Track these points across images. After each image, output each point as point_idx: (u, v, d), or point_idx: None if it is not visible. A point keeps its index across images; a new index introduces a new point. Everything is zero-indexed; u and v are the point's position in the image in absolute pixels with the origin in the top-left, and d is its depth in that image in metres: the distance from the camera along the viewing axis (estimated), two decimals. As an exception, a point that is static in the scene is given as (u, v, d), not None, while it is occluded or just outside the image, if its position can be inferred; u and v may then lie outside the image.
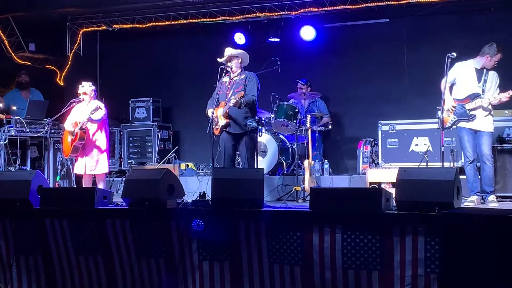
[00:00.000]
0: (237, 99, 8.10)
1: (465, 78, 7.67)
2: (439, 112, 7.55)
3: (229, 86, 8.46)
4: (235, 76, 8.50)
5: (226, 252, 6.27)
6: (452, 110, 7.64)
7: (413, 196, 5.73)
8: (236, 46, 11.22)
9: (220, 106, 8.33)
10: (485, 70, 7.61)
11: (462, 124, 7.64)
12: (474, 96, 7.55)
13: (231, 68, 8.46)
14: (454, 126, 7.72)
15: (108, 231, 6.64)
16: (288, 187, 8.91)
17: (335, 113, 11.07)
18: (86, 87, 9.00)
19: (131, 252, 6.59)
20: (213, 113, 8.22)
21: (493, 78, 7.60)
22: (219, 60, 8.54)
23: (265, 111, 9.87)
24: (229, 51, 8.60)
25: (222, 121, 8.29)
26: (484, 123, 7.55)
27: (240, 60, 8.53)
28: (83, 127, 8.74)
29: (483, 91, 7.55)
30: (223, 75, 8.50)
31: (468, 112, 7.56)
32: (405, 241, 5.59)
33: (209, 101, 8.62)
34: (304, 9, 10.84)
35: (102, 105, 8.90)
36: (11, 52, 11.73)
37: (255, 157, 8.71)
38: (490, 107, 7.56)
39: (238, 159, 9.02)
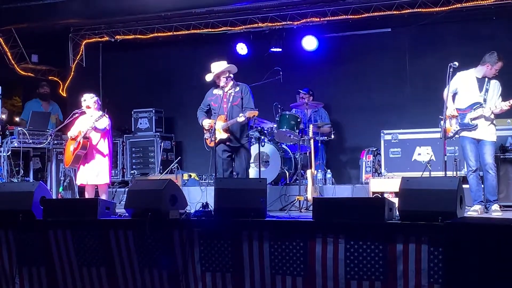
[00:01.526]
0: (246, 116, 8.14)
1: (466, 88, 7.67)
2: (442, 122, 7.55)
3: (225, 100, 8.47)
4: (229, 89, 8.53)
5: (229, 263, 6.25)
6: (454, 117, 7.64)
7: (416, 206, 5.72)
8: (238, 56, 11.28)
9: (219, 119, 8.33)
10: (486, 79, 7.61)
11: (464, 134, 7.63)
12: (476, 105, 7.55)
13: (222, 85, 8.48)
14: (456, 136, 7.71)
15: (111, 242, 6.64)
16: (291, 197, 8.91)
17: (337, 123, 11.06)
18: (88, 100, 8.94)
19: (134, 263, 6.58)
20: (215, 123, 8.24)
21: (495, 87, 7.60)
22: (207, 80, 8.59)
23: (267, 121, 9.88)
24: (215, 67, 8.58)
25: (222, 135, 8.32)
26: (487, 132, 7.54)
27: (227, 74, 8.54)
28: (87, 135, 8.72)
29: (484, 100, 7.55)
30: (217, 87, 8.55)
31: (470, 121, 7.56)
32: (408, 251, 5.58)
33: (199, 112, 8.70)
34: (306, 19, 10.86)
35: (106, 115, 8.91)
36: (14, 64, 11.76)
37: (259, 167, 8.78)
38: (492, 116, 7.55)
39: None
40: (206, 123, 8.47)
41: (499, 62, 7.54)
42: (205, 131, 8.60)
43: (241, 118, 8.17)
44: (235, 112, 8.41)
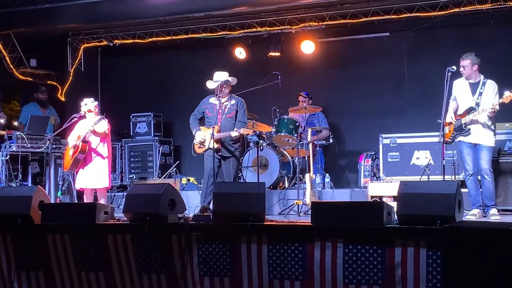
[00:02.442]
0: (240, 132, 8.20)
1: (461, 94, 7.70)
2: (441, 126, 7.55)
3: (220, 111, 8.48)
4: (225, 101, 8.55)
5: (227, 267, 6.24)
6: (452, 123, 7.66)
7: (414, 210, 5.71)
8: (236, 60, 11.29)
9: (214, 129, 8.32)
10: (481, 82, 7.60)
11: (461, 138, 7.64)
12: (470, 110, 7.56)
13: (222, 95, 8.51)
14: (455, 140, 7.71)
15: (109, 246, 6.62)
16: (289, 201, 8.91)
17: (335, 127, 11.07)
18: (89, 104, 8.88)
19: (132, 267, 6.57)
20: (212, 134, 8.22)
21: (490, 88, 7.56)
22: (210, 87, 8.60)
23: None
24: (217, 76, 8.60)
25: (214, 145, 8.31)
26: (483, 136, 7.53)
27: (230, 87, 8.60)
28: (86, 139, 8.69)
29: (477, 104, 7.53)
30: (214, 96, 8.57)
31: (463, 126, 7.57)
32: (406, 255, 5.57)
33: (192, 118, 8.75)
34: (304, 23, 10.88)
35: (105, 119, 8.89)
36: (13, 68, 11.74)
37: (257, 171, 8.78)
38: (488, 122, 7.53)
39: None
40: (198, 137, 8.53)
41: (460, 60, 7.63)
42: (195, 140, 8.62)
43: (234, 133, 8.24)
44: (228, 124, 8.46)
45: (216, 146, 8.32)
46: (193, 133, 8.68)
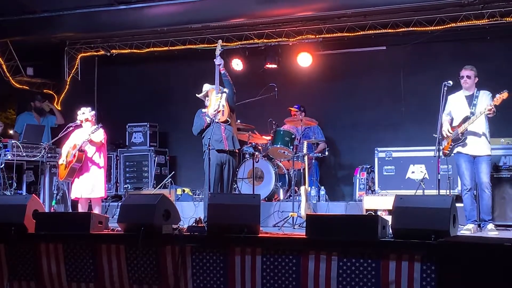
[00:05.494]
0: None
1: (457, 107, 7.73)
2: (438, 140, 7.56)
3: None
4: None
5: (220, 279, 6.22)
6: (449, 135, 7.67)
7: (409, 224, 5.71)
8: (233, 72, 11.30)
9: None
10: (474, 94, 7.64)
11: (458, 149, 7.64)
12: (465, 119, 7.57)
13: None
14: (452, 154, 7.71)
15: (102, 256, 6.59)
16: (284, 213, 8.89)
17: (331, 140, 11.07)
18: (86, 113, 8.84)
19: (124, 279, 6.52)
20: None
21: (483, 96, 7.59)
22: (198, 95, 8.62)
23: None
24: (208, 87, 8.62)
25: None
26: (481, 147, 7.54)
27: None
28: (82, 148, 8.66)
29: (472, 113, 7.56)
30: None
31: (459, 135, 7.58)
32: (401, 269, 5.57)
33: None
34: (301, 36, 10.90)
35: (102, 128, 8.87)
36: (9, 76, 11.74)
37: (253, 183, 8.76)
38: (486, 129, 7.55)
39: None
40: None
41: (461, 70, 7.69)
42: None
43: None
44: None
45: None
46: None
